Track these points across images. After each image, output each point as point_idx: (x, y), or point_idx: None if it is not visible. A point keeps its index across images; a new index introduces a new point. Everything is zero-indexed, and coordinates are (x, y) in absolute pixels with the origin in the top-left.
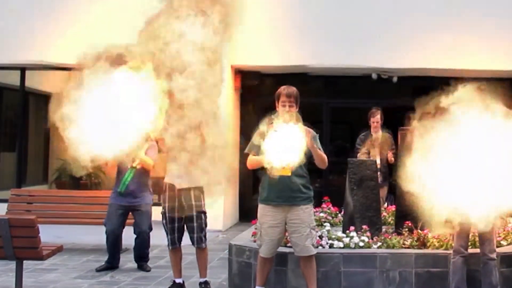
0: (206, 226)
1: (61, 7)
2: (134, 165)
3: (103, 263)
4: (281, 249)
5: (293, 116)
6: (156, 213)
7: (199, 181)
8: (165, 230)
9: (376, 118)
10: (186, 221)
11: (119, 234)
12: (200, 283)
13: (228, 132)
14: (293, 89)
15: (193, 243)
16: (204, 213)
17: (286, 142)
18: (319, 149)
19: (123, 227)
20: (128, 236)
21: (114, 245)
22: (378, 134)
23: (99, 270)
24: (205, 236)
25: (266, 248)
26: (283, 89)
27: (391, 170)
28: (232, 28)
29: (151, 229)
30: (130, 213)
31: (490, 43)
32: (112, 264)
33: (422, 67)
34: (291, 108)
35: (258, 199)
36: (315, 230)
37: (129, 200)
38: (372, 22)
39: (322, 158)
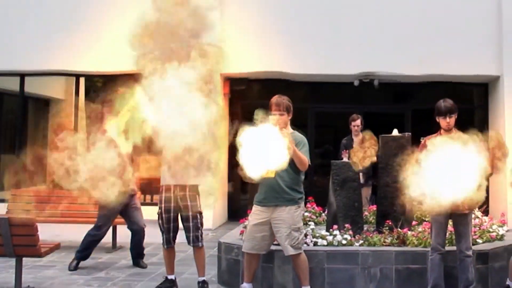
0: (202, 225)
1: (59, 17)
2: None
3: (75, 260)
4: None
5: (276, 121)
6: (150, 213)
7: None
8: (161, 230)
9: (356, 123)
10: (182, 221)
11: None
12: (199, 282)
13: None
14: (282, 99)
15: (189, 243)
16: (200, 213)
17: (264, 146)
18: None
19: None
20: (123, 234)
21: (93, 244)
22: (358, 137)
23: (72, 269)
24: (201, 236)
25: (246, 244)
26: (274, 99)
27: (374, 171)
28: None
29: (145, 225)
30: (122, 212)
31: (467, 50)
32: (82, 259)
33: (403, 74)
34: (282, 116)
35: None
36: (299, 231)
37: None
38: (354, 31)
39: (301, 161)
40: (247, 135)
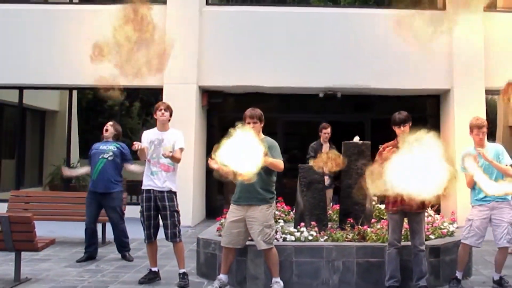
0: (179, 223)
1: (53, 35)
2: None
3: (83, 255)
4: None
5: (254, 130)
6: (135, 212)
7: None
8: (143, 227)
9: (327, 130)
10: (161, 219)
11: (95, 227)
12: (179, 274)
13: (196, 141)
14: (255, 111)
15: (167, 239)
16: (177, 212)
17: (241, 152)
18: (277, 158)
19: (97, 221)
20: (111, 231)
21: (90, 237)
22: (326, 144)
23: (79, 261)
24: (179, 232)
25: (224, 239)
26: (247, 112)
27: (336, 175)
28: None
29: (123, 220)
30: (104, 209)
31: (421, 66)
32: (91, 254)
33: (363, 87)
34: (255, 125)
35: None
36: (271, 228)
37: (100, 187)
38: (319, 49)
39: (276, 166)
40: (231, 139)
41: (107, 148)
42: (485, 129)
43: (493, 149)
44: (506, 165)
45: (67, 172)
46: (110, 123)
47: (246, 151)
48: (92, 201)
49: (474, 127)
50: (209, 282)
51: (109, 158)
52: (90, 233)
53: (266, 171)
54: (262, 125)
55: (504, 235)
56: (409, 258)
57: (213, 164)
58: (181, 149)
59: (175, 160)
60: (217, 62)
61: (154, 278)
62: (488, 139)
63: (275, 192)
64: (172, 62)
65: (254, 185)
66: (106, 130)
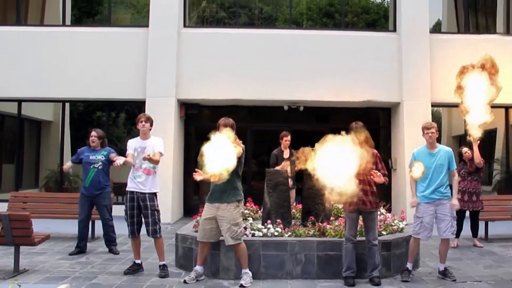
0: (159, 221)
1: (49, 54)
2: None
3: (75, 249)
4: None
5: (229, 136)
6: (120, 211)
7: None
8: (127, 223)
9: (288, 138)
10: (143, 217)
11: (87, 224)
12: (160, 266)
13: (175, 148)
14: (228, 120)
15: (148, 234)
16: (157, 211)
17: (213, 157)
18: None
19: (90, 218)
20: (100, 227)
21: (82, 232)
22: (287, 150)
23: (71, 254)
24: (159, 229)
25: (199, 234)
26: (221, 121)
27: (298, 177)
28: None
29: (112, 217)
30: (95, 206)
31: (375, 82)
32: (81, 250)
33: (323, 100)
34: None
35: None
36: (238, 226)
37: (92, 192)
38: (284, 67)
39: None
40: (211, 142)
41: (96, 158)
42: (433, 130)
43: (445, 153)
44: (453, 170)
45: (65, 167)
46: (94, 133)
47: (222, 153)
48: (85, 201)
49: (424, 129)
50: (186, 273)
51: (99, 168)
52: (83, 227)
53: (233, 174)
54: (234, 133)
55: (448, 228)
56: (363, 252)
57: (197, 177)
58: (160, 153)
59: (154, 162)
60: (194, 78)
61: (137, 269)
62: None
63: (242, 194)
64: (153, 78)
65: (223, 187)
66: (93, 141)
